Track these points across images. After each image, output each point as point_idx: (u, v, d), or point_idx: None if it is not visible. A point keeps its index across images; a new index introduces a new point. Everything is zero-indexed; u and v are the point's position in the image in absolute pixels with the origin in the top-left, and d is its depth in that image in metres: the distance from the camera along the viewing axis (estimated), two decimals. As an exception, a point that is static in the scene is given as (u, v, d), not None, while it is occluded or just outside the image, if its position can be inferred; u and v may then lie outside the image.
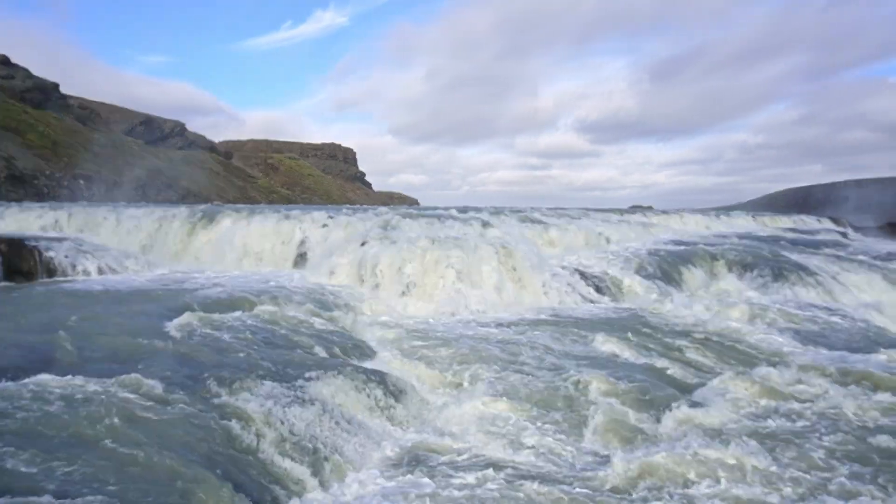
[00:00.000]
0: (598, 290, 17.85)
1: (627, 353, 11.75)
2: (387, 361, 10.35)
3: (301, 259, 20.40)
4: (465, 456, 7.34)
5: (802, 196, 67.79)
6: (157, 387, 7.09)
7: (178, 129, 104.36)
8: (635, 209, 44.74)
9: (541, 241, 22.07)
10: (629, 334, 12.98)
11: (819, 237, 30.93)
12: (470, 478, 6.70)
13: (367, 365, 9.91)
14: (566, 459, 7.46)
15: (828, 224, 40.21)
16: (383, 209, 27.07)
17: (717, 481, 6.71)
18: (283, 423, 6.73)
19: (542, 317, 14.74)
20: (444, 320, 14.20)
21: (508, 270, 16.98)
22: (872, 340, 14.28)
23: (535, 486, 6.53)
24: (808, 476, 6.92)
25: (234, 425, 6.45)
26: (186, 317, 11.03)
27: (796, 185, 77.16)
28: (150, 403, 6.69)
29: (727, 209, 59.61)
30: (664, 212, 36.08)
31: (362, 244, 18.09)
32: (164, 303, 12.91)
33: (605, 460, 7.42)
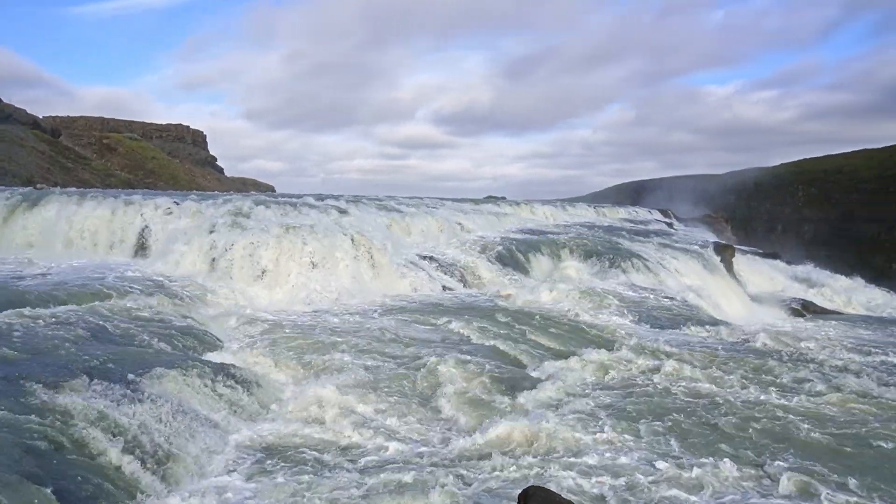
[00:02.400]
0: (454, 277, 18.39)
1: (479, 337, 12.25)
2: (237, 353, 9.95)
3: (143, 248, 18.92)
4: (321, 445, 7.28)
5: (637, 189, 74.35)
6: (-37, 392, 6.27)
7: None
8: (489, 199, 46.44)
9: (398, 229, 22.25)
10: (482, 319, 13.53)
11: (650, 227, 34.05)
12: (326, 467, 6.66)
13: (216, 358, 9.47)
14: (423, 440, 7.66)
15: (657, 215, 44.38)
16: (236, 195, 25.81)
17: (559, 450, 7.24)
18: (117, 423, 6.25)
19: (399, 304, 14.93)
20: (299, 309, 13.91)
21: (365, 258, 16.97)
22: (691, 319, 16.08)
23: (394, 468, 6.65)
24: (630, 438, 7.69)
25: (59, 428, 5.88)
26: (6, 314, 9.85)
27: (632, 179, 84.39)
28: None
29: (572, 200, 63.79)
30: (516, 202, 37.77)
31: (211, 231, 17.16)
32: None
33: (460, 437, 7.72)
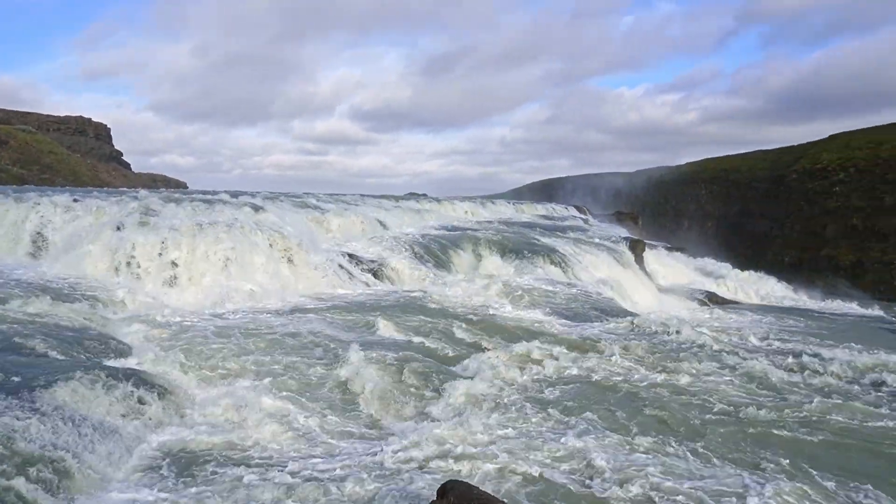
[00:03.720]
0: (375, 274, 18.24)
1: (400, 334, 12.21)
2: (145, 358, 9.42)
3: (39, 248, 17.61)
4: (236, 450, 7.01)
5: (553, 186, 76.49)
6: None
7: None
8: (410, 196, 46.47)
9: (317, 226, 21.83)
10: (403, 316, 13.49)
11: (566, 223, 35.07)
12: (242, 473, 6.42)
13: (122, 364, 8.94)
14: (342, 440, 7.53)
15: (573, 212, 45.82)
16: (144, 192, 24.50)
17: (480, 445, 7.31)
18: (9, 437, 5.77)
19: (318, 303, 14.65)
20: (214, 310, 13.38)
21: (282, 257, 16.54)
22: (605, 311, 16.69)
23: (312, 470, 6.50)
24: (550, 429, 7.88)
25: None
26: None
27: (549, 176, 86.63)
28: None
29: (491, 197, 64.84)
30: (437, 199, 37.95)
31: (117, 230, 16.21)
32: None
33: (380, 435, 7.66)
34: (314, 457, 6.92)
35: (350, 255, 18.91)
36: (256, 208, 20.60)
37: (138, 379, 7.95)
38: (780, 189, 45.07)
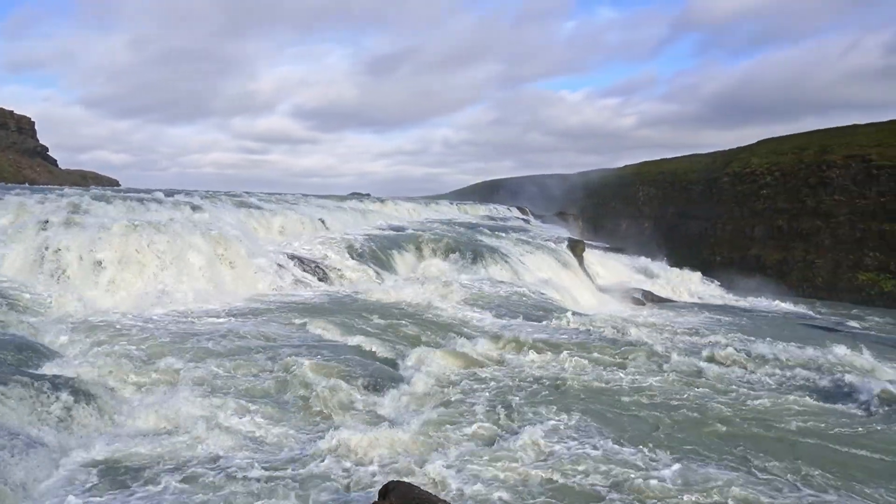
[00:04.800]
0: (317, 275, 17.98)
1: (344, 336, 12.07)
2: (72, 363, 8.99)
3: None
4: (171, 457, 6.77)
5: (496, 187, 77.24)
6: None
7: None
8: (354, 196, 46.06)
9: (258, 226, 21.35)
10: (346, 317, 13.35)
11: (508, 224, 35.51)
12: (177, 480, 6.21)
13: (46, 370, 8.51)
14: (284, 444, 7.38)
15: (516, 212, 46.44)
16: (72, 190, 23.37)
17: (423, 444, 7.31)
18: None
19: (258, 304, 14.33)
20: (148, 313, 12.87)
21: (221, 257, 16.09)
22: (546, 310, 16.97)
23: (251, 476, 6.35)
24: (492, 427, 7.96)
25: None
26: None
27: (492, 177, 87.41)
28: None
29: (435, 198, 65.00)
30: (380, 199, 37.74)
31: (42, 230, 15.40)
32: None
33: (323, 438, 7.54)
34: (252, 461, 6.76)
35: (292, 256, 18.59)
36: (194, 207, 19.99)
37: (65, 386, 7.57)
38: (713, 191, 46.88)
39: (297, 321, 12.80)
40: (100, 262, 14.47)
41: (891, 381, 10.61)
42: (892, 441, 8.37)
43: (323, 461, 6.80)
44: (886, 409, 9.54)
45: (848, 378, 10.85)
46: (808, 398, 10.11)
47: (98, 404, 7.65)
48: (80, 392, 7.63)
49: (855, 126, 41.74)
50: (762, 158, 44.09)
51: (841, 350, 12.65)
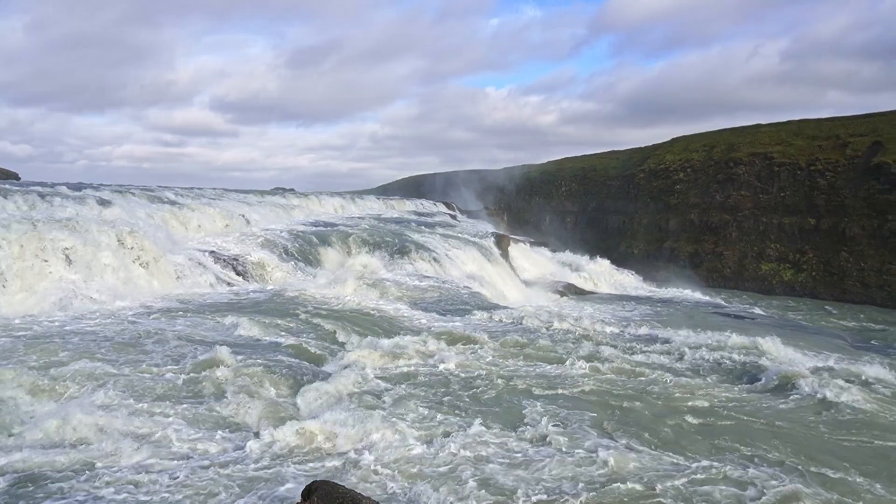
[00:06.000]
0: (238, 272, 17.44)
1: (267, 334, 11.76)
2: (-34, 372, 8.31)
3: None
4: (79, 470, 6.38)
5: (423, 183, 77.29)
6: None
7: None
8: (277, 191, 44.94)
9: (175, 222, 20.46)
10: (268, 315, 13.00)
11: (435, 219, 35.63)
12: (85, 494, 5.87)
13: (-65, 380, 7.83)
14: (205, 448, 7.10)
15: (442, 208, 46.64)
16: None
17: (349, 443, 7.22)
18: None
19: (175, 304, 13.75)
20: (53, 316, 12.08)
21: (134, 256, 15.31)
22: (473, 304, 17.15)
23: (169, 484, 6.09)
24: (416, 423, 7.97)
25: None
26: None
27: (417, 173, 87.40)
28: None
29: (361, 193, 64.40)
30: (305, 194, 37.01)
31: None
32: None
33: (246, 440, 7.31)
34: (167, 467, 6.48)
35: (212, 253, 17.94)
36: (102, 203, 18.92)
37: (-43, 396, 6.99)
38: (630, 187, 48.79)
39: (219, 320, 12.36)
40: (-3, 263, 13.44)
41: (788, 362, 11.63)
42: (790, 412, 9.30)
43: (243, 463, 6.61)
44: (784, 386, 10.45)
45: (752, 361, 11.74)
46: (718, 380, 10.77)
47: (-4, 415, 7.11)
48: (-25, 402, 7.07)
49: (758, 126, 44.48)
50: (676, 155, 46.26)
51: (746, 335, 13.54)
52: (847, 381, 10.67)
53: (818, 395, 9.92)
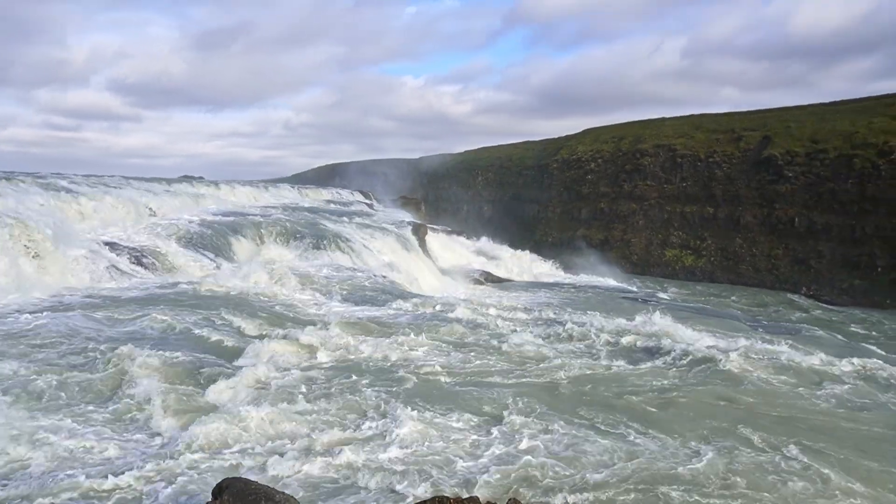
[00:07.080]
0: (142, 264, 16.55)
1: (176, 328, 11.23)
2: None
3: None
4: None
5: (339, 171, 75.96)
6: None
7: None
8: (185, 179, 42.85)
9: (70, 212, 19.11)
10: (177, 309, 12.41)
11: (351, 208, 35.16)
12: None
13: None
14: (113, 449, 6.69)
15: (359, 197, 46.05)
16: None
17: (263, 437, 7.03)
18: None
19: (71, 298, 12.88)
20: (-72, 315, 11.04)
21: (23, 248, 14.19)
22: (391, 294, 17.09)
23: (76, 487, 5.74)
24: (333, 415, 7.87)
25: None
26: None
27: (334, 161, 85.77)
28: None
29: (274, 181, 62.55)
30: (215, 183, 35.49)
31: None
32: None
33: (157, 438, 7.00)
34: (77, 474, 6.08)
35: (112, 245, 16.92)
36: (-15, 191, 17.42)
37: None
38: (545, 177, 50.04)
39: (123, 315, 11.69)
40: None
41: (689, 342, 12.39)
42: (692, 387, 10.05)
43: (154, 463, 6.29)
44: (687, 363, 11.22)
45: (658, 342, 12.39)
46: (628, 361, 11.31)
47: None
48: None
49: (663, 119, 46.70)
50: (587, 146, 47.83)
51: (653, 318, 14.29)
52: (744, 356, 11.53)
53: (718, 368, 10.71)
